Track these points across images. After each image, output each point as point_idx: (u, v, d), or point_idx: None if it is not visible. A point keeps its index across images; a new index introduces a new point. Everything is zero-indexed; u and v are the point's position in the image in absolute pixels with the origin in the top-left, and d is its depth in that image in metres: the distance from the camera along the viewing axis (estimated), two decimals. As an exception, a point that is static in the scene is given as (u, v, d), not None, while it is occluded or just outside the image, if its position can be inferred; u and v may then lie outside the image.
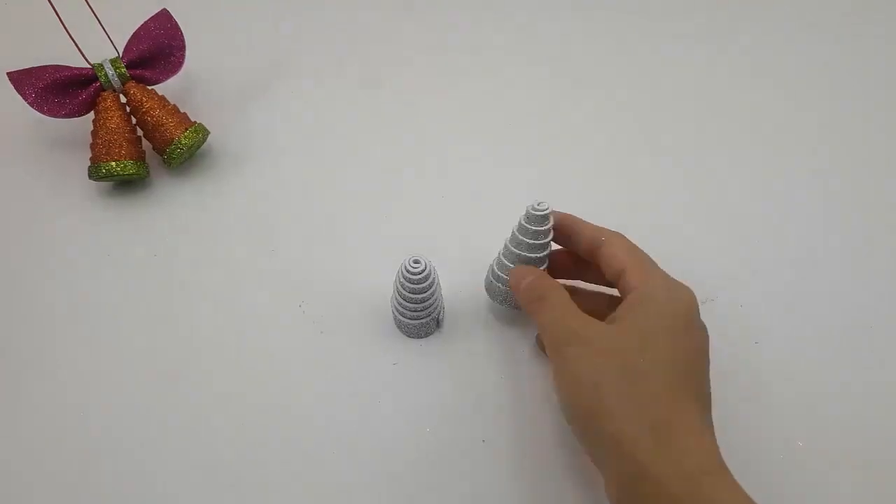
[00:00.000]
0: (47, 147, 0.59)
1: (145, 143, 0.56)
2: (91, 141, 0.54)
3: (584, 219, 0.43)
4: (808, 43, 0.64)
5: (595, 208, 0.54)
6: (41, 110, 0.54)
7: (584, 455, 0.37)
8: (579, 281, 0.46)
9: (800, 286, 0.49)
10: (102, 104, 0.54)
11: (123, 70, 0.54)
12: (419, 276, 0.43)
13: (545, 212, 0.42)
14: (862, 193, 0.54)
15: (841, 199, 0.54)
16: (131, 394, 0.46)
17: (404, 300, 0.44)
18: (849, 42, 0.64)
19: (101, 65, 0.54)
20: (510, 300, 0.45)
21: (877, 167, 0.55)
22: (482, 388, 0.45)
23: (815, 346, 0.46)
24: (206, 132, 0.56)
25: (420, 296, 0.44)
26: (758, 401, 0.44)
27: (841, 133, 0.58)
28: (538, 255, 0.43)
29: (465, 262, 0.51)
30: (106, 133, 0.53)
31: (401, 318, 0.46)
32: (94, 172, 0.54)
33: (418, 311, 0.45)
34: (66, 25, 0.52)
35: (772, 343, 0.47)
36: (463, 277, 0.49)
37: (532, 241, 0.42)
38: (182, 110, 0.56)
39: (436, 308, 0.45)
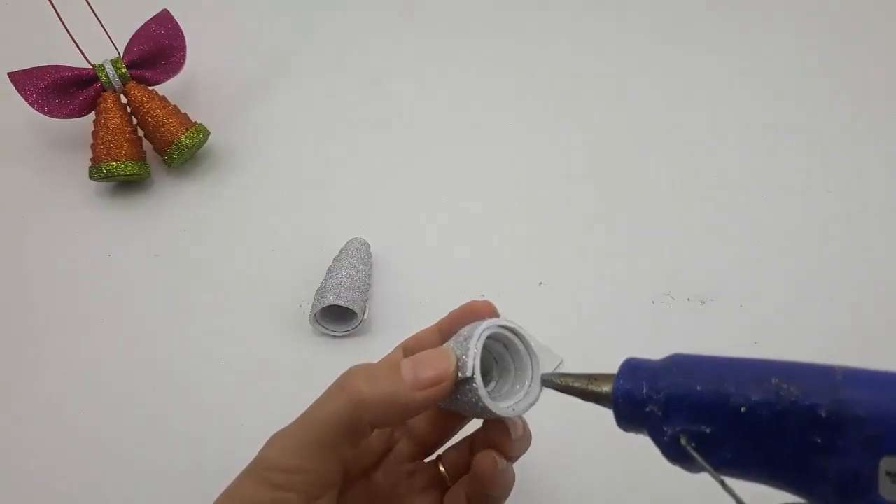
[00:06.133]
0: (48, 147, 0.59)
1: (146, 144, 0.56)
2: (92, 141, 0.54)
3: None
4: (803, 45, 0.64)
5: (595, 205, 0.54)
6: (42, 110, 0.54)
7: None
8: None
9: (799, 286, 0.49)
10: (103, 104, 0.54)
11: (124, 70, 0.54)
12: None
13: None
14: (862, 194, 0.54)
15: (841, 200, 0.54)
16: (131, 393, 0.46)
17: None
18: (846, 44, 0.64)
19: (101, 65, 0.54)
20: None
21: (877, 168, 0.55)
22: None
23: (815, 347, 0.46)
24: (206, 132, 0.56)
25: None
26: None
27: (841, 134, 0.58)
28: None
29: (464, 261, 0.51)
30: (107, 133, 0.53)
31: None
32: (95, 172, 0.54)
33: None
34: (67, 25, 0.52)
35: (772, 343, 0.47)
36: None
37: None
38: (183, 111, 0.56)
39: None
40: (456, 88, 0.62)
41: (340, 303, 0.45)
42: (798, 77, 0.61)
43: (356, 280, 0.47)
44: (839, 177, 0.55)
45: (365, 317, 0.47)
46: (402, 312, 0.49)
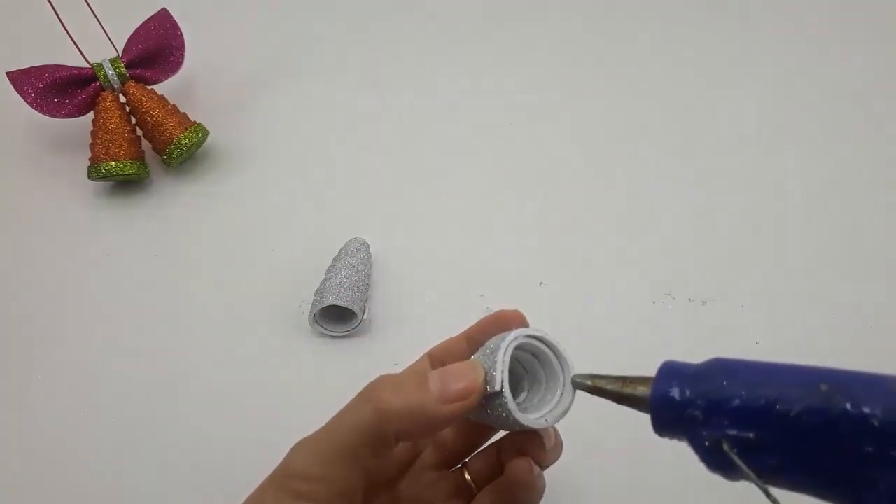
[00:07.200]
0: (47, 147, 0.59)
1: (145, 143, 0.56)
2: (91, 141, 0.54)
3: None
4: (803, 46, 0.64)
5: (595, 205, 0.54)
6: (41, 110, 0.54)
7: None
8: None
9: (800, 286, 0.49)
10: (102, 104, 0.54)
11: (123, 70, 0.54)
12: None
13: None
14: (861, 194, 0.54)
15: (841, 200, 0.54)
16: (131, 393, 0.46)
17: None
18: (846, 44, 0.64)
19: (100, 64, 0.54)
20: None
21: (876, 168, 0.55)
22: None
23: (815, 347, 0.46)
24: (205, 132, 0.56)
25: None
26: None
27: (841, 135, 0.58)
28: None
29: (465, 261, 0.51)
30: (105, 133, 0.53)
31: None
32: (94, 172, 0.54)
33: None
34: (66, 25, 0.51)
35: (773, 343, 0.47)
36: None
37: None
38: (182, 110, 0.56)
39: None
40: (456, 88, 0.62)
41: (340, 303, 0.45)
42: (797, 78, 0.61)
43: (356, 280, 0.47)
44: (839, 177, 0.55)
45: (364, 317, 0.47)
46: (401, 312, 0.49)
